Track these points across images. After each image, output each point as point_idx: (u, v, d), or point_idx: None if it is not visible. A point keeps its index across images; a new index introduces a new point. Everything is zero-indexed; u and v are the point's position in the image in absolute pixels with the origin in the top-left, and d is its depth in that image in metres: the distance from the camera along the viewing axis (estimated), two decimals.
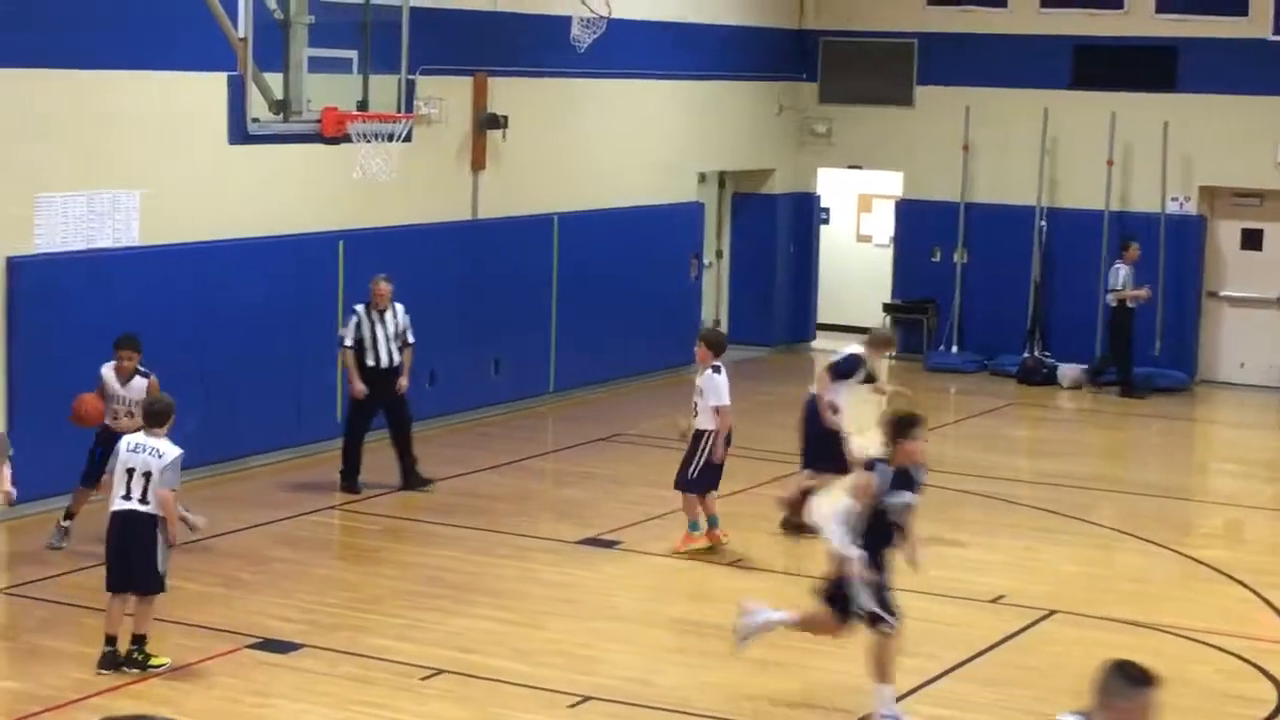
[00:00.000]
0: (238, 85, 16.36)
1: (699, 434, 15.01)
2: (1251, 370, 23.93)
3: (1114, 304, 23.06)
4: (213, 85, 16.76)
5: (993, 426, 21.49)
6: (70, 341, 15.26)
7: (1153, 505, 17.52)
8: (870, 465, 11.26)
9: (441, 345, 19.45)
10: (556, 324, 21.44)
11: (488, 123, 20.24)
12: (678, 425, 15.31)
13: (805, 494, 15.69)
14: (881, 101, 25.76)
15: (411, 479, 16.97)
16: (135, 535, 11.64)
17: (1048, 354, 24.53)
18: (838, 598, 11.20)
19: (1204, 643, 13.15)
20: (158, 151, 16.52)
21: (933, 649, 12.77)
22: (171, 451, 11.66)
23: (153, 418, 11.87)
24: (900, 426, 11.25)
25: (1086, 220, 24.40)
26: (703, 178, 24.96)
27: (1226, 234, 24.16)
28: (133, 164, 16.31)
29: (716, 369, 15.00)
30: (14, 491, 12.40)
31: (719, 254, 26.03)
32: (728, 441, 15.10)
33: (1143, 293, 23.04)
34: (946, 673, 12.32)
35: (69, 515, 14.69)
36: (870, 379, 16.18)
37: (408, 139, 17.12)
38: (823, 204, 26.95)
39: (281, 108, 16.29)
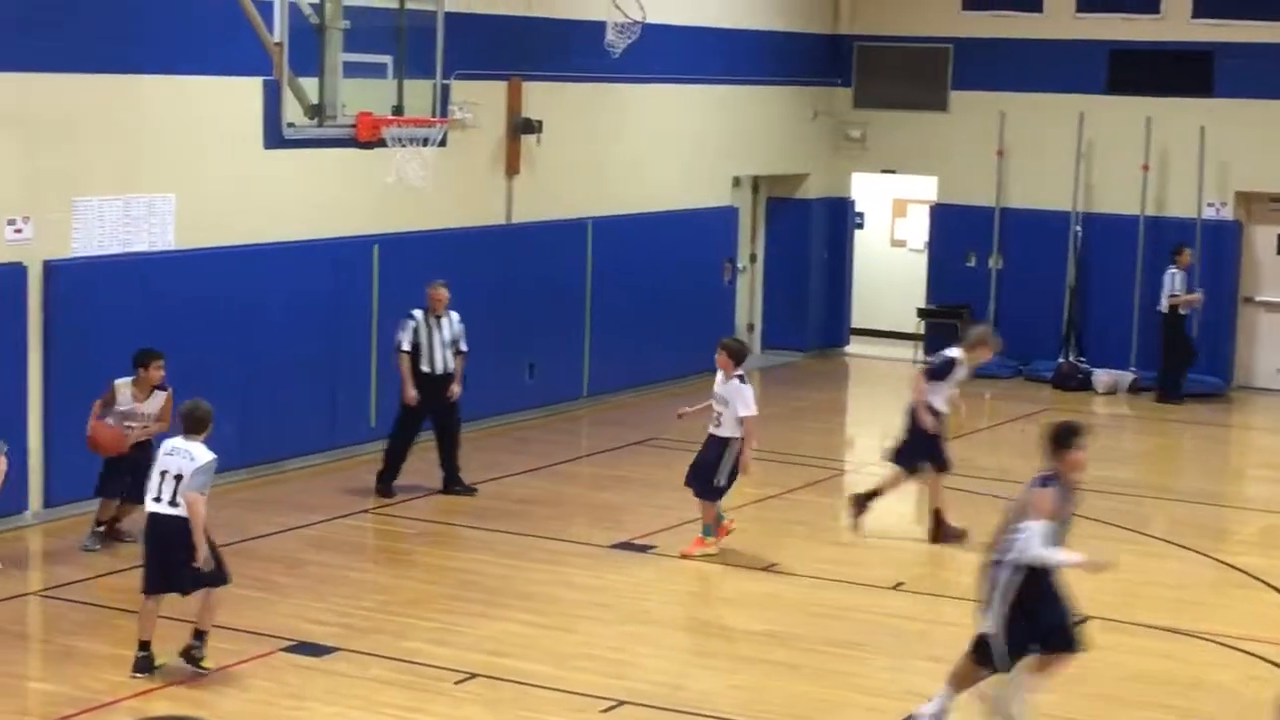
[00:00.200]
0: (273, 90, 16.40)
1: (722, 441, 15.01)
2: (1269, 375, 23.80)
3: (1166, 310, 22.94)
4: (248, 90, 16.83)
5: (1028, 432, 21.40)
6: (106, 345, 15.32)
7: (1188, 511, 17.46)
8: (1044, 481, 10.79)
9: (475, 349, 19.44)
10: (590, 328, 21.46)
11: (522, 127, 20.27)
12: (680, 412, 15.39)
13: (873, 495, 15.82)
14: (916, 106, 25.72)
15: (454, 485, 16.97)
16: (167, 537, 11.68)
17: (1083, 359, 24.47)
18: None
19: (1238, 649, 13.11)
20: (193, 156, 16.58)
21: None
22: (204, 456, 11.68)
23: (192, 424, 11.84)
24: (1064, 436, 10.90)
25: (1122, 225, 24.33)
26: (737, 182, 24.95)
27: (1263, 239, 24.05)
28: (168, 168, 16.39)
29: (741, 378, 15.00)
30: None
31: (753, 258, 26.02)
32: None
33: (1195, 298, 22.94)
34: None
35: (99, 523, 14.76)
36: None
37: (442, 144, 17.14)
38: (857, 209, 26.92)
39: (316, 112, 16.32)
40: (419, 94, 17.15)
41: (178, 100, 16.39)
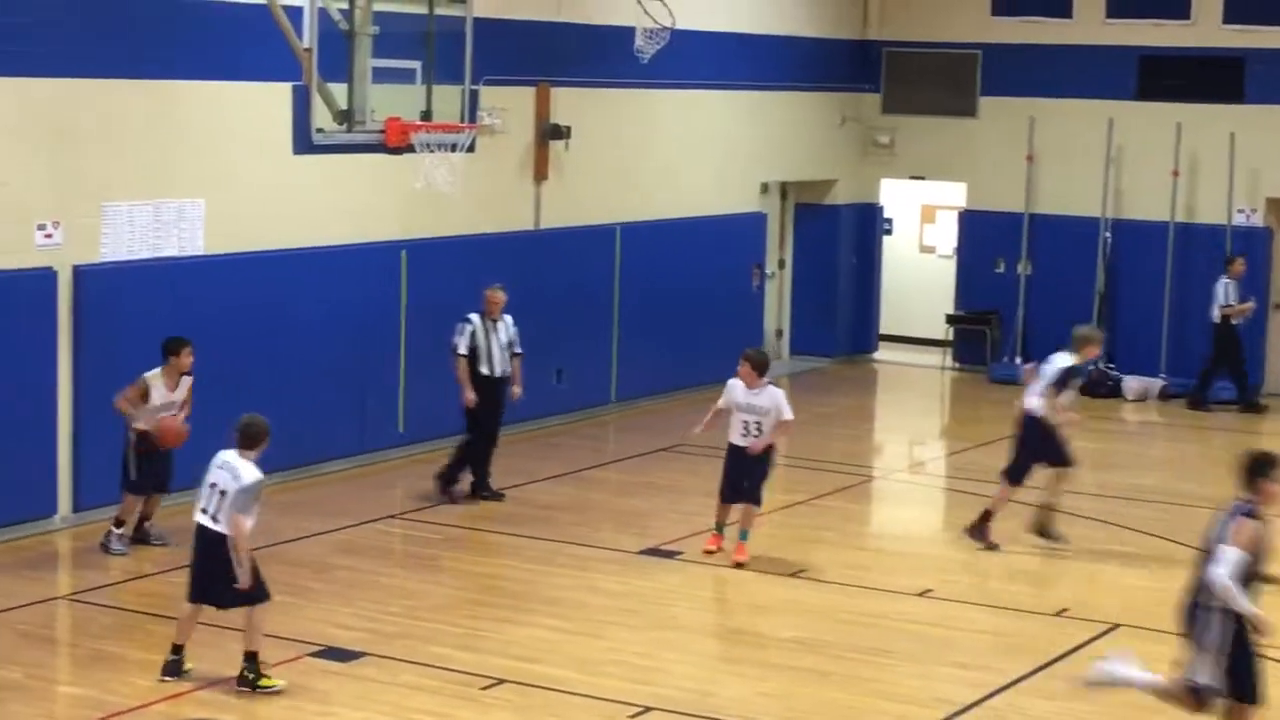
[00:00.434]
0: (302, 95, 16.43)
1: (770, 449, 15.07)
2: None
3: (1218, 319, 22.83)
4: (277, 95, 16.86)
5: None
6: (136, 350, 15.34)
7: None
8: (1245, 512, 10.41)
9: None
10: (619, 334, 21.46)
11: (550, 133, 20.28)
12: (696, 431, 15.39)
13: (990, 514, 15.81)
14: (945, 112, 25.68)
15: (482, 491, 16.97)
16: (208, 550, 11.67)
17: (1112, 366, 24.39)
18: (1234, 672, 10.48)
19: (1271, 658, 13.02)
20: (223, 161, 16.62)
21: (994, 662, 12.73)
22: (249, 476, 11.57)
23: (244, 439, 11.72)
24: (1261, 467, 10.53)
25: (1152, 231, 24.26)
26: (765, 188, 24.94)
27: None
28: (198, 173, 16.42)
29: (771, 385, 15.04)
30: None
31: (781, 264, 26.00)
32: None
33: (1247, 307, 22.82)
34: (1009, 686, 12.25)
35: (120, 523, 14.78)
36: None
37: (471, 149, 17.16)
38: (885, 214, 26.88)
39: (345, 118, 16.35)
40: (448, 99, 17.16)
41: (208, 106, 16.43)
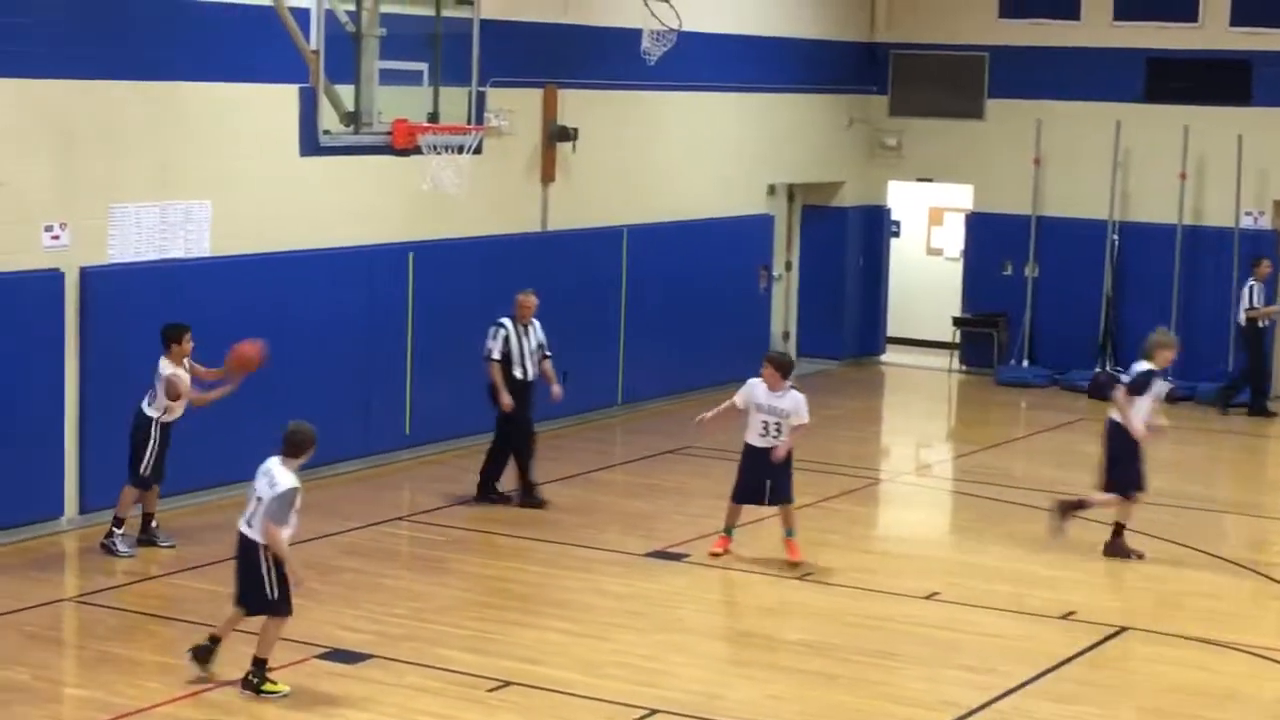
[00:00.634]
0: (309, 97, 16.44)
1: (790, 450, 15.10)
2: None
3: (1244, 323, 22.76)
4: (284, 97, 16.86)
5: (1064, 441, 21.34)
6: (142, 351, 15.34)
7: (1226, 522, 17.38)
8: None
9: None
10: (625, 336, 21.45)
11: (557, 135, 20.28)
12: (704, 420, 15.34)
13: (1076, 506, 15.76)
14: (952, 114, 25.67)
15: (529, 497, 16.94)
16: (244, 557, 11.65)
17: (1119, 369, 24.33)
18: None
19: (1275, 660, 13.03)
20: (229, 163, 16.62)
21: (1002, 665, 12.71)
22: (284, 484, 11.51)
23: (288, 447, 11.65)
24: None
25: (1159, 234, 24.24)
26: (772, 190, 24.93)
27: None
28: (205, 175, 16.42)
29: (794, 387, 15.03)
30: None
31: (788, 266, 25.99)
32: None
33: (1275, 309, 22.74)
34: (1016, 689, 12.23)
35: (120, 521, 14.78)
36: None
37: (478, 151, 17.16)
38: (893, 217, 26.87)
39: (352, 119, 16.36)
40: (454, 101, 17.17)
41: (215, 107, 16.43)
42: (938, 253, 27.58)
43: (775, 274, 24.91)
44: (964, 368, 25.70)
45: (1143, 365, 15.76)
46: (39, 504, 15.30)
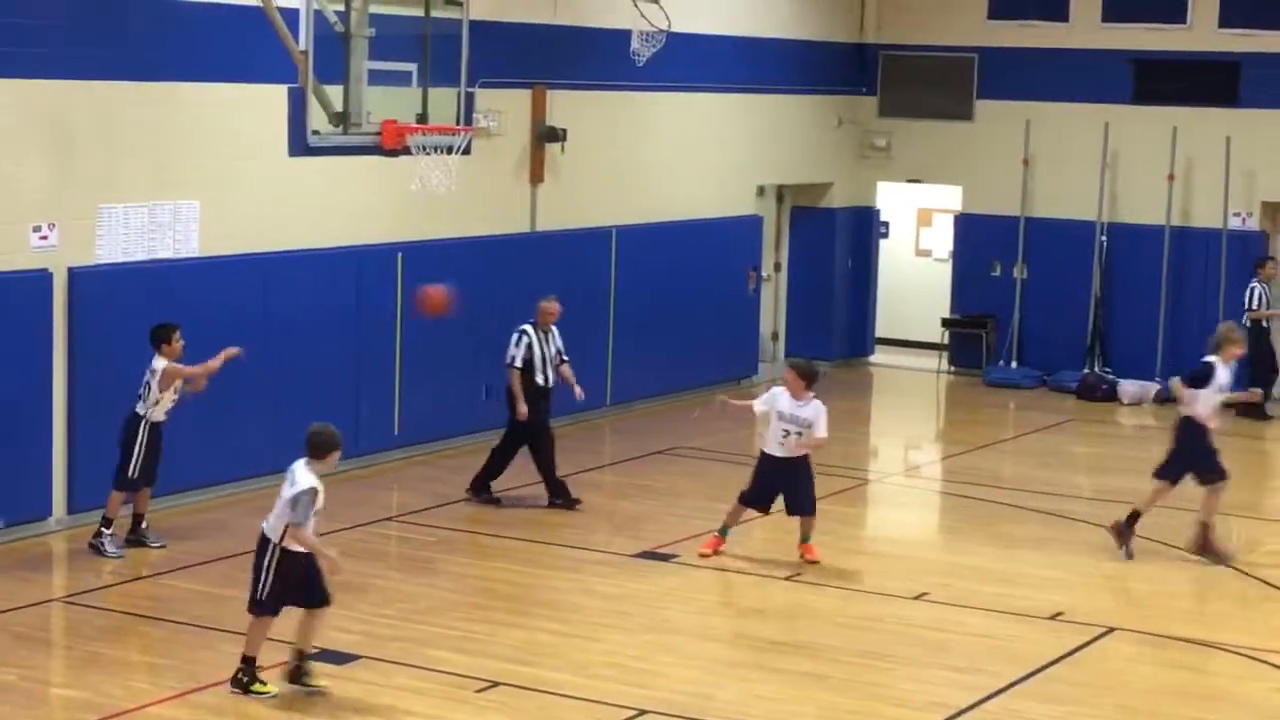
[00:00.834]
0: (298, 97, 16.40)
1: (806, 460, 15.15)
2: None
3: (1248, 324, 22.73)
4: (273, 97, 16.84)
5: (1053, 442, 21.37)
6: (130, 352, 15.33)
7: (1216, 522, 17.36)
8: None
9: (495, 359, 19.45)
10: (614, 337, 21.44)
11: (546, 135, 20.27)
12: (727, 403, 15.33)
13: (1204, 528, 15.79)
14: (941, 115, 25.69)
15: (558, 497, 16.93)
16: (256, 552, 11.63)
17: (1108, 370, 24.41)
18: None
19: (1265, 661, 13.04)
20: (218, 163, 16.60)
21: (991, 665, 12.72)
22: (302, 483, 11.46)
23: (310, 449, 11.61)
24: None
25: (1147, 235, 24.27)
26: (761, 191, 24.93)
27: None
28: (194, 175, 16.40)
29: (816, 399, 15.05)
30: None
31: (777, 267, 26.00)
32: None
33: (1275, 312, 22.70)
34: (1004, 689, 12.24)
35: (109, 520, 14.76)
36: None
37: (466, 151, 17.12)
38: (882, 218, 26.88)
39: (341, 120, 16.31)
40: (443, 102, 17.13)
41: (203, 108, 16.41)
42: (927, 254, 27.60)
43: (764, 275, 24.92)
44: (953, 369, 25.72)
45: (1209, 358, 15.76)
46: (27, 504, 15.28)
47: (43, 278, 15.21)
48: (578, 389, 17.03)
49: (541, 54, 20.19)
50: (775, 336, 25.83)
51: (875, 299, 26.71)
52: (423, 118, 16.80)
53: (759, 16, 23.91)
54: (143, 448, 14.64)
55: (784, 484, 15.09)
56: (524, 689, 11.91)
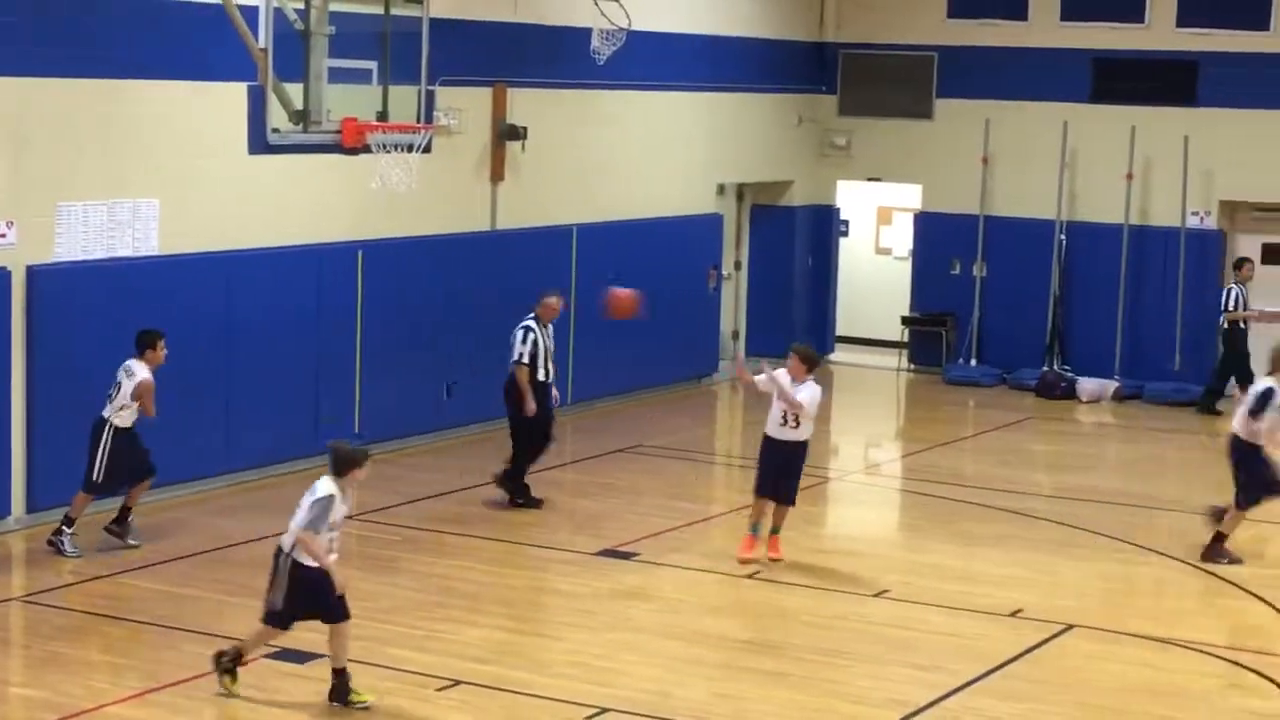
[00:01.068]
0: (258, 95, 16.39)
1: (804, 445, 15.17)
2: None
3: (1225, 325, 22.82)
4: (233, 95, 16.80)
5: (1012, 440, 21.45)
6: (90, 351, 15.29)
7: (1172, 520, 17.47)
8: None
9: (460, 356, 19.48)
10: (575, 335, 21.41)
11: (507, 134, 20.26)
12: (762, 369, 15.28)
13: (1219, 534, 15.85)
14: (901, 114, 25.75)
15: (521, 496, 16.94)
16: (273, 562, 11.59)
17: (1067, 368, 24.50)
18: None
19: (1221, 658, 13.12)
20: (178, 161, 16.55)
21: (949, 663, 12.76)
22: (318, 490, 11.42)
23: (330, 466, 11.53)
24: None
25: (1106, 234, 24.37)
26: (721, 189, 24.96)
27: (1247, 248, 24.06)
28: (153, 173, 16.35)
29: (812, 381, 15.06)
30: None
31: (737, 265, 26.03)
32: None
33: (1254, 314, 22.79)
34: (964, 687, 12.28)
35: (71, 520, 14.69)
36: None
37: (427, 150, 17.13)
38: (842, 216, 26.93)
39: (301, 118, 16.31)
40: (404, 100, 17.14)
41: (163, 106, 16.36)
42: (886, 252, 27.66)
43: (724, 273, 24.94)
44: (912, 367, 25.79)
45: (1265, 383, 15.63)
46: None
47: (1, 276, 15.14)
48: (554, 390, 17.03)
49: (502, 52, 20.18)
50: (735, 335, 25.86)
51: (835, 297, 26.76)
52: (383, 116, 16.82)
53: (719, 15, 23.93)
54: (106, 452, 14.57)
55: (780, 467, 15.08)
56: (486, 688, 11.91)
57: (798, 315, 26.05)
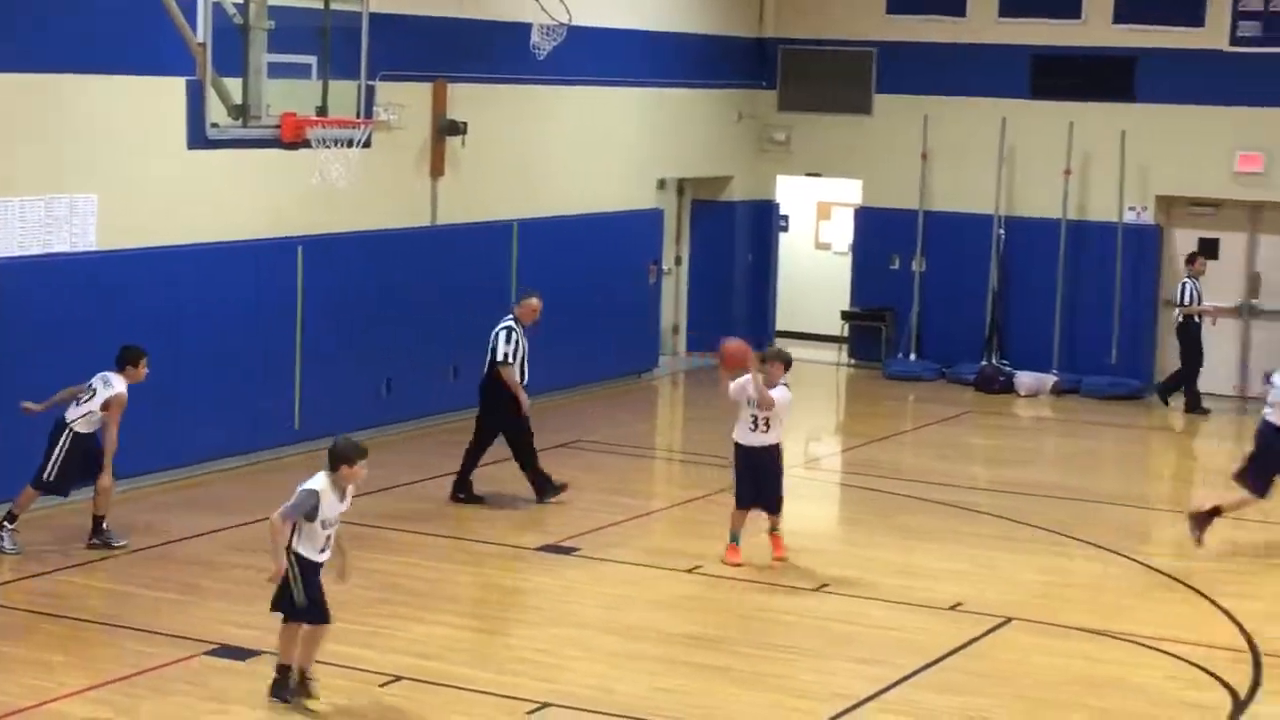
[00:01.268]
0: (196, 90, 16.27)
1: (779, 448, 15.15)
2: (1209, 379, 23.85)
3: (1180, 319, 22.94)
4: (171, 90, 16.70)
5: (951, 434, 21.55)
6: (26, 347, 15.19)
7: (1110, 513, 17.59)
8: None
9: (399, 352, 19.44)
10: None
11: (447, 129, 20.22)
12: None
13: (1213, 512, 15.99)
14: (841, 109, 25.82)
15: (462, 490, 16.93)
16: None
17: (1005, 362, 24.62)
18: None
19: (1160, 650, 13.21)
20: (116, 156, 16.45)
21: (890, 656, 12.81)
22: (309, 484, 11.33)
23: (329, 459, 11.44)
24: None
25: (1044, 229, 24.50)
26: (662, 184, 24.98)
27: (1183, 243, 24.24)
28: (91, 168, 16.25)
29: (786, 386, 15.02)
30: None
31: (678, 261, 26.05)
32: None
33: (1209, 308, 22.91)
34: (903, 680, 12.34)
35: (11, 517, 14.60)
36: None
37: (367, 145, 17.06)
38: (782, 211, 26.99)
39: (240, 113, 16.20)
40: (344, 95, 17.04)
41: (100, 100, 16.26)
42: (826, 247, 27.73)
43: (665, 268, 24.96)
44: (852, 361, 25.87)
45: None
46: None
47: None
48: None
49: (442, 47, 20.14)
50: (676, 329, 25.89)
51: (775, 292, 26.82)
52: (323, 111, 16.72)
53: (659, 11, 23.95)
54: (62, 453, 14.49)
55: (757, 475, 15.07)
56: (428, 683, 11.90)
57: (738, 310, 26.09)
